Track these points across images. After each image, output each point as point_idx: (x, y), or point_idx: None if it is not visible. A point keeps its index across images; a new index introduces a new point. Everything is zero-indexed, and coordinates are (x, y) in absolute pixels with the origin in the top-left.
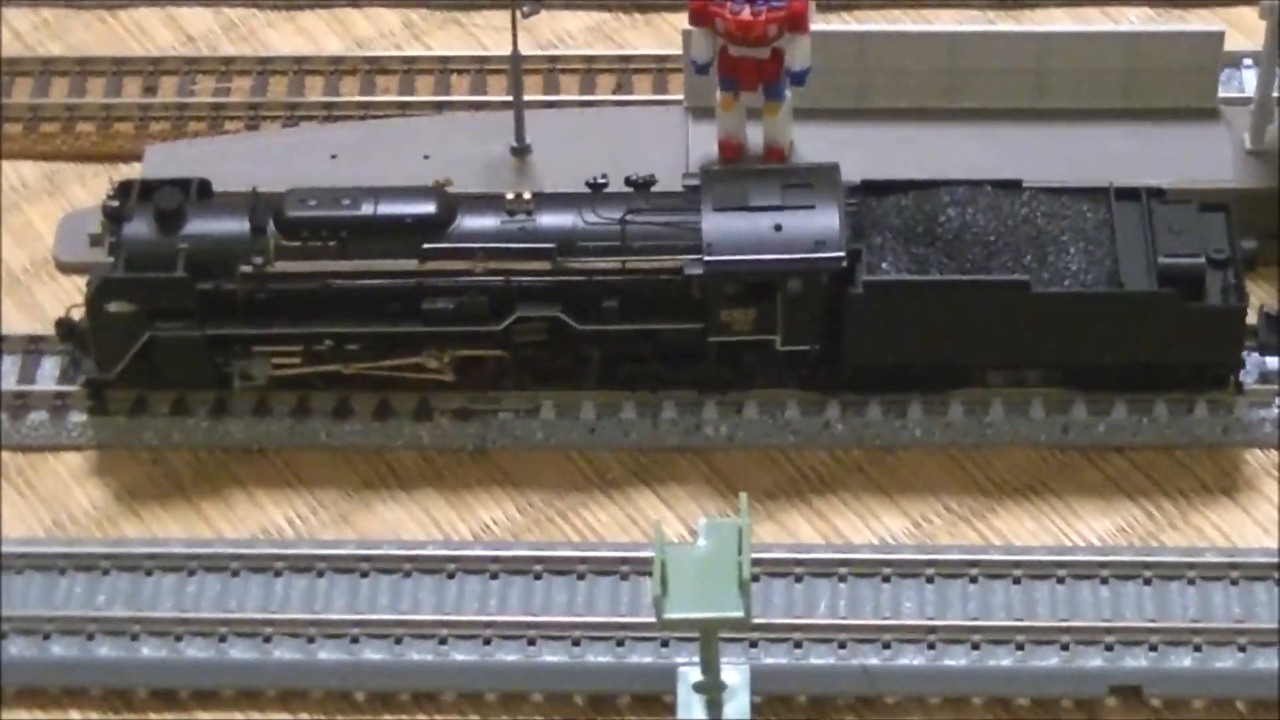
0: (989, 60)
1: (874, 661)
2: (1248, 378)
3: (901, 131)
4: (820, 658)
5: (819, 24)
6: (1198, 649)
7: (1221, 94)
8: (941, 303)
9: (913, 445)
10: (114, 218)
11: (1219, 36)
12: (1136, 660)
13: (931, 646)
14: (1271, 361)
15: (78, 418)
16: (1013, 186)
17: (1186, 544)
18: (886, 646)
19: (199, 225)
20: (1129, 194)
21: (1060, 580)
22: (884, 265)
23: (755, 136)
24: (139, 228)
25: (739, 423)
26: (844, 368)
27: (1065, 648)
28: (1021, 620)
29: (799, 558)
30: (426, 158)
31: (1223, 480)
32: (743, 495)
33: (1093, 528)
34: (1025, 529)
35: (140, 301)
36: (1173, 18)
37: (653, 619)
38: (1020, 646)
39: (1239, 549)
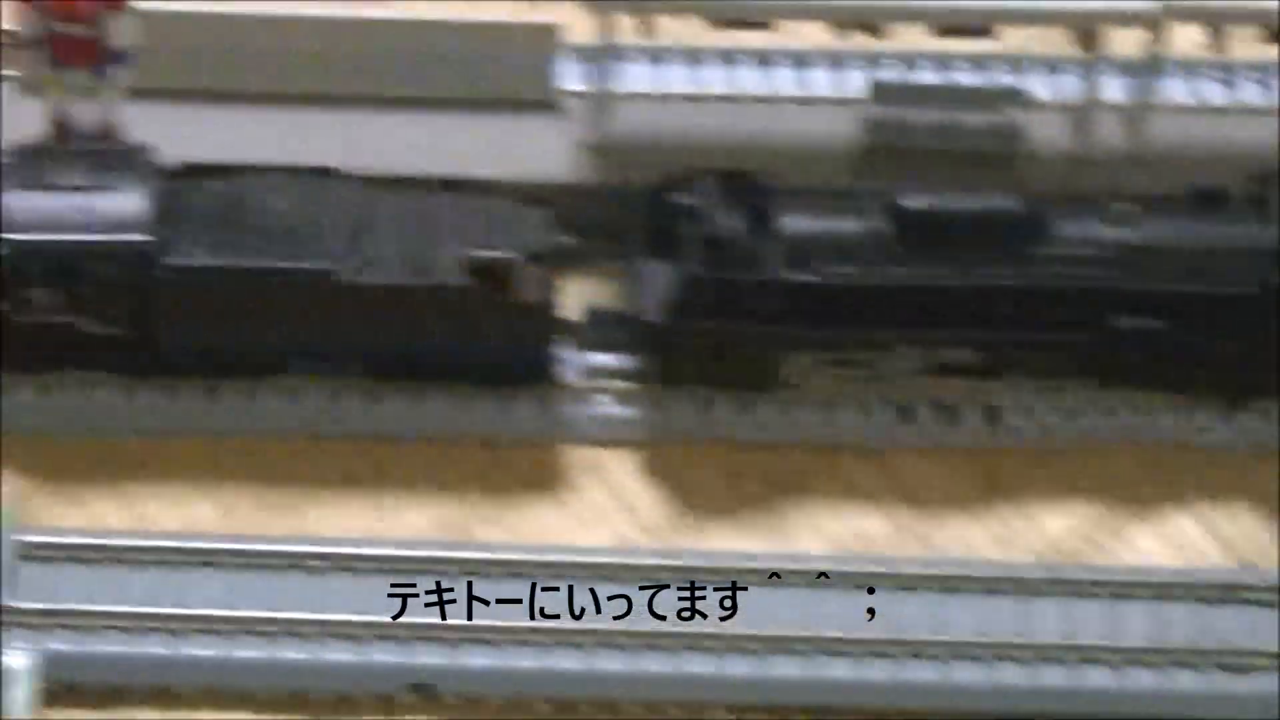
0: (324, 45)
1: (164, 652)
2: (571, 374)
3: (238, 114)
4: (110, 646)
5: (149, 3)
6: (494, 645)
7: (574, 88)
8: (248, 289)
9: (227, 432)
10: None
11: (551, 29)
12: (432, 658)
13: (225, 637)
14: (597, 358)
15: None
16: (330, 174)
17: (500, 539)
18: (176, 636)
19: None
20: (451, 185)
21: (358, 574)
22: (191, 249)
23: (87, 115)
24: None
25: (50, 405)
26: (155, 352)
27: (361, 642)
28: (318, 614)
29: (94, 543)
30: None
31: (542, 476)
32: (16, 480)
33: (407, 521)
34: (338, 520)
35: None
36: (524, 10)
37: None
38: (314, 639)
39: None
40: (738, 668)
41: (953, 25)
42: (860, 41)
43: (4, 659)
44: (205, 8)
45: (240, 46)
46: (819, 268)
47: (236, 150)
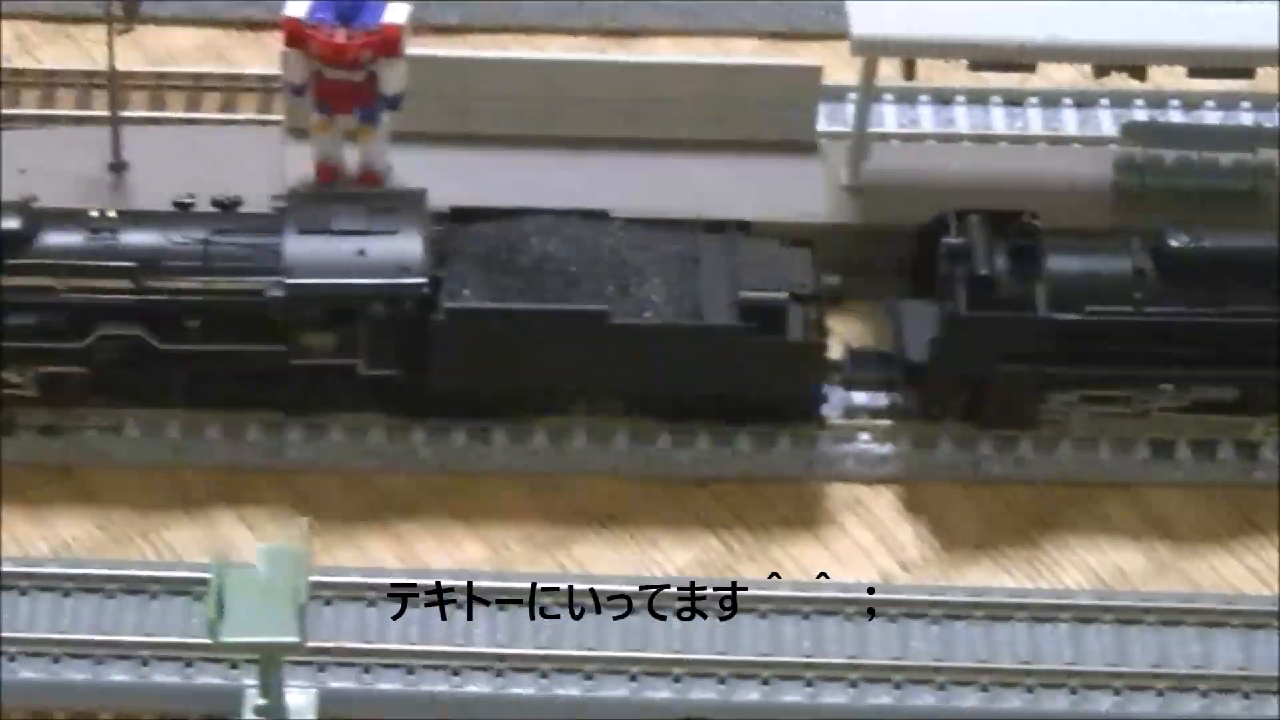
0: (588, 88)
1: (443, 689)
2: (832, 412)
3: (502, 158)
4: (389, 683)
5: (418, 48)
6: (765, 682)
7: (822, 128)
8: (522, 331)
9: (496, 471)
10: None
11: (816, 71)
12: (706, 693)
13: (500, 675)
14: (856, 396)
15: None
16: (599, 216)
17: (763, 577)
18: (456, 674)
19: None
20: (715, 227)
21: (634, 611)
22: (465, 292)
23: (355, 160)
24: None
25: (322, 445)
26: (428, 393)
27: (634, 679)
28: (593, 650)
29: (372, 582)
30: (23, 172)
31: (803, 513)
32: (302, 522)
33: (672, 558)
34: (604, 558)
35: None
36: (782, 51)
37: None
38: (589, 676)
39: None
40: (1009, 701)
41: (1217, 67)
42: (1109, 81)
43: (290, 696)
44: (471, 53)
45: (509, 91)
46: (1083, 306)
47: (505, 194)
